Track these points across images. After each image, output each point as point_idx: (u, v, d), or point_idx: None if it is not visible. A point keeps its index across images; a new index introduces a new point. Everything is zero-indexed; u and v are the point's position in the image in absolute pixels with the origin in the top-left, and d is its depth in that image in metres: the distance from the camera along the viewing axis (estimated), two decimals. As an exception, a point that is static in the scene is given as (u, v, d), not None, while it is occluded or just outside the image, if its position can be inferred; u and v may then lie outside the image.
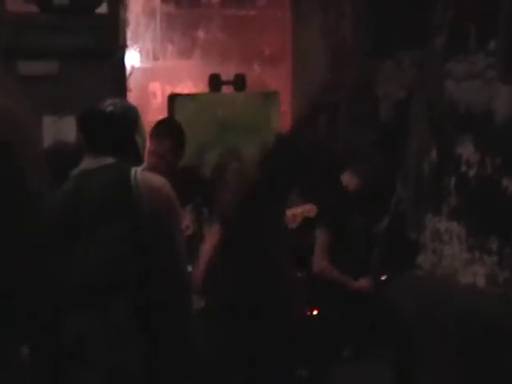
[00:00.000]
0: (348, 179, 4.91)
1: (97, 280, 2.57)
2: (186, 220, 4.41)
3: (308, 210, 4.66)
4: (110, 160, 2.76)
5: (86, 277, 2.57)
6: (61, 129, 5.55)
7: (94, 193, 2.65)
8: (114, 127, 2.83)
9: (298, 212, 4.61)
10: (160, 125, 4.74)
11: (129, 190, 2.61)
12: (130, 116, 2.93)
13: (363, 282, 4.74)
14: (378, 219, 5.08)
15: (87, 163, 2.77)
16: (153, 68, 6.48)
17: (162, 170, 4.18)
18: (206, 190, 4.51)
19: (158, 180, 2.76)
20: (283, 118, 6.44)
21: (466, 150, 4.92)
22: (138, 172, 2.68)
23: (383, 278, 4.84)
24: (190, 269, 4.30)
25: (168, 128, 4.74)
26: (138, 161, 2.86)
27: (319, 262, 4.74)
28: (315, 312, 4.78)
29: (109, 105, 2.90)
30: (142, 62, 6.43)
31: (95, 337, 2.55)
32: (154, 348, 2.58)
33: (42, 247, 2.53)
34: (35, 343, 2.58)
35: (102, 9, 5.69)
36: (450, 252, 5.04)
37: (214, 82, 5.96)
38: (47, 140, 5.01)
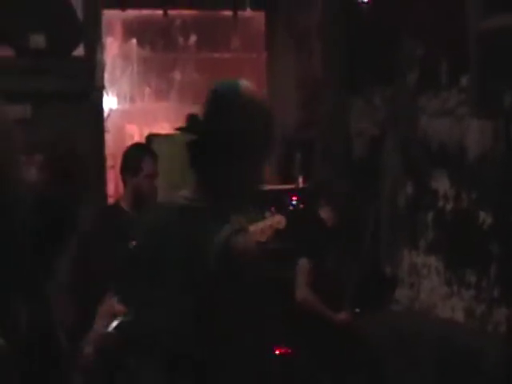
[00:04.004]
0: (326, 214, 4.93)
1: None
2: None
3: (277, 221, 4.55)
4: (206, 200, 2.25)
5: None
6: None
7: (178, 241, 2.22)
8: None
9: (267, 225, 4.49)
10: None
11: (214, 257, 2.13)
12: None
13: (343, 315, 4.73)
14: (353, 254, 5.11)
15: (182, 196, 2.29)
16: (130, 110, 6.52)
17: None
18: None
19: (252, 251, 2.22)
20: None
21: (442, 185, 4.97)
22: (234, 235, 2.16)
23: (357, 310, 4.84)
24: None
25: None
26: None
27: (302, 290, 4.71)
28: (293, 349, 4.78)
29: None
30: (119, 104, 6.47)
31: None
32: None
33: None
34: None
35: (79, 51, 5.73)
36: (427, 286, 5.06)
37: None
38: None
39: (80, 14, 5.82)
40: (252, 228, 4.42)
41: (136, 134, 6.46)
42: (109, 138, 6.13)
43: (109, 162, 6.14)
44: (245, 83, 2.29)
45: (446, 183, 4.94)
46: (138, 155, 4.38)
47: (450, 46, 4.88)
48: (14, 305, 2.05)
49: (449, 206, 4.92)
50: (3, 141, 1.09)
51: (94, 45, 5.91)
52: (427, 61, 5.09)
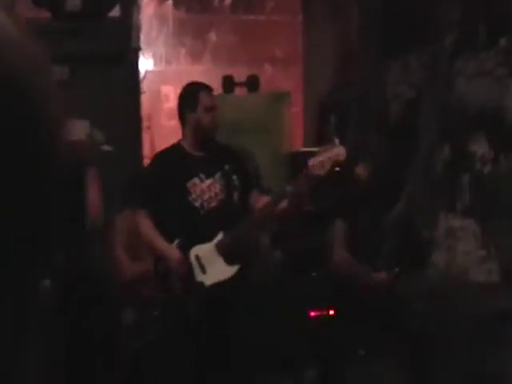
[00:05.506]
0: (361, 171, 4.88)
1: None
2: (215, 188, 4.31)
3: (336, 153, 4.27)
4: None
5: None
6: (73, 134, 5.57)
7: None
8: None
9: (326, 158, 4.10)
10: None
11: None
12: None
13: (383, 275, 4.64)
14: (388, 210, 5.09)
15: None
16: (165, 71, 6.52)
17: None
18: (234, 157, 4.43)
19: None
20: (295, 119, 6.47)
21: (480, 148, 4.93)
22: None
23: (396, 270, 4.76)
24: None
25: None
26: None
27: (339, 252, 4.65)
28: (331, 312, 4.77)
29: None
30: (154, 65, 6.47)
31: None
32: None
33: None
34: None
35: (115, 12, 5.73)
36: (464, 249, 5.05)
37: (227, 83, 5.98)
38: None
39: (115, -25, 5.81)
40: (310, 162, 4.14)
41: (171, 96, 6.46)
42: (144, 99, 6.14)
43: (144, 123, 6.16)
44: None
45: (484, 146, 4.90)
46: (194, 90, 4.37)
47: (488, 7, 4.82)
48: (57, 248, 2.16)
49: (486, 169, 4.88)
50: (50, 102, 1.06)
51: (130, 6, 5.90)
52: (465, 22, 5.04)
